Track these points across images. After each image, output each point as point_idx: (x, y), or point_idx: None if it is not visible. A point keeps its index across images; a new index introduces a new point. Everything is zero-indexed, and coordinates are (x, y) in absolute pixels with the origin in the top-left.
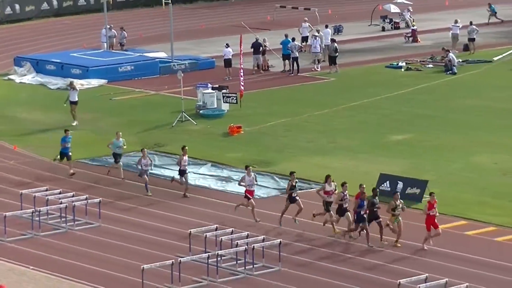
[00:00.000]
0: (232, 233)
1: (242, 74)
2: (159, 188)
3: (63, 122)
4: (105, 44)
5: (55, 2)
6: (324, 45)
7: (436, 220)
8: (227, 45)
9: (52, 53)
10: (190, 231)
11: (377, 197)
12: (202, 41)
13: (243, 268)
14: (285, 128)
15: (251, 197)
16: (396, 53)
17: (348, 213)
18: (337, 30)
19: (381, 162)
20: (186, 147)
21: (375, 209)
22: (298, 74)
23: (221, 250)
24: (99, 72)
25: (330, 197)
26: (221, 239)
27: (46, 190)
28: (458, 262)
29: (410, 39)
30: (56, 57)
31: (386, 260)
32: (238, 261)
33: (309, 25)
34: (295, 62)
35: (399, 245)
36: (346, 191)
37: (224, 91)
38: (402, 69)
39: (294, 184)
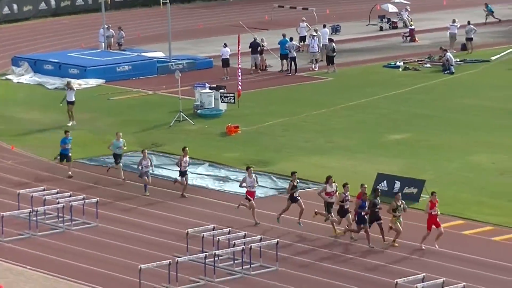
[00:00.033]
0: (229, 233)
1: (240, 74)
2: (157, 188)
3: (61, 122)
4: (103, 44)
5: (53, 2)
6: (322, 44)
7: (438, 219)
8: (225, 45)
9: (50, 53)
10: (188, 231)
11: (378, 198)
12: (200, 41)
13: (241, 268)
14: (282, 128)
15: (251, 199)
16: (394, 53)
17: (349, 214)
18: (335, 30)
19: (378, 161)
20: (187, 148)
21: (376, 210)
22: (296, 73)
23: (218, 250)
24: (97, 72)
25: (332, 198)
26: (219, 239)
27: (44, 190)
28: (455, 261)
29: (408, 38)
30: (54, 57)
31: (385, 260)
32: (236, 261)
33: (307, 25)
34: (293, 62)
35: (397, 244)
36: (348, 192)
37: (221, 91)
38: (400, 69)
39: (295, 184)
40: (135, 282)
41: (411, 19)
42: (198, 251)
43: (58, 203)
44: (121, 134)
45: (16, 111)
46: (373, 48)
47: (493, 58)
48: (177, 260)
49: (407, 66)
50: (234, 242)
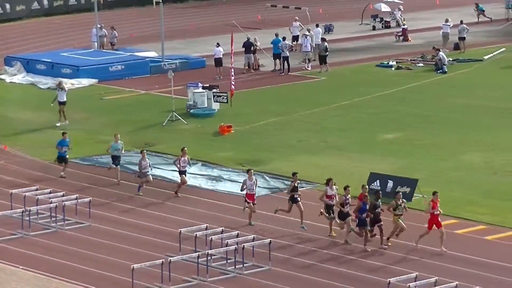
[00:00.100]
0: (222, 232)
1: (233, 73)
2: (150, 188)
3: (54, 122)
4: (96, 43)
5: (45, 2)
6: (315, 44)
7: (439, 219)
8: (218, 45)
9: (43, 53)
10: (180, 231)
11: (380, 200)
12: (193, 41)
13: (233, 267)
14: (275, 127)
15: (250, 202)
16: (387, 52)
17: (350, 218)
18: (328, 29)
19: (371, 161)
20: (186, 148)
21: (377, 212)
22: (289, 73)
23: (211, 249)
24: (89, 71)
25: (332, 200)
26: (211, 238)
27: (36, 190)
28: (448, 260)
29: (401, 38)
30: (47, 57)
31: (379, 260)
32: (228, 261)
33: (299, 24)
34: (285, 61)
35: (390, 243)
36: (349, 195)
37: (214, 90)
38: (393, 68)
39: (296, 185)
40: (127, 282)
41: (404, 18)
42: (191, 251)
43: (51, 202)
44: (119, 136)
45: (9, 111)
46: (366, 47)
47: (485, 57)
48: (170, 259)
49: (400, 66)
50: (227, 242)
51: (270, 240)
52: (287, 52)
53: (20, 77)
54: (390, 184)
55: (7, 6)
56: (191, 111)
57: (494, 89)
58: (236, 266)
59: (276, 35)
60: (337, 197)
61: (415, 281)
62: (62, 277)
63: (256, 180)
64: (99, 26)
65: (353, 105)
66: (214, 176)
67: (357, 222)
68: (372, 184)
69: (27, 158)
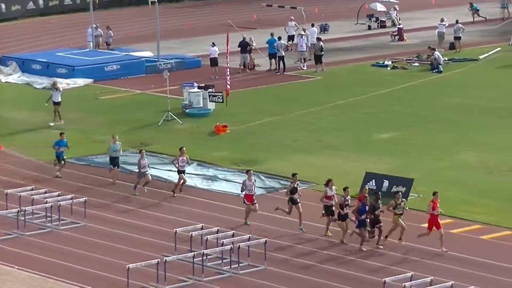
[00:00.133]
0: (217, 232)
1: (228, 73)
2: (145, 187)
3: (49, 121)
4: (91, 43)
5: (41, 2)
6: (310, 43)
7: (439, 220)
8: (213, 44)
9: (38, 53)
10: (176, 230)
11: (379, 201)
12: (188, 40)
13: (229, 267)
14: (271, 127)
15: (248, 203)
16: (382, 52)
17: (349, 219)
18: (323, 29)
19: (367, 160)
20: (184, 148)
21: (377, 213)
22: (284, 73)
23: (206, 249)
24: (85, 71)
25: (332, 201)
26: (207, 238)
27: (32, 190)
28: (444, 260)
29: (396, 37)
30: (42, 57)
31: (374, 260)
32: (224, 260)
33: (295, 24)
34: (281, 61)
35: (386, 242)
36: (348, 197)
37: (210, 90)
38: (388, 68)
39: (296, 186)
40: (123, 282)
41: (399, 18)
42: (186, 251)
43: (46, 202)
44: (117, 137)
45: (4, 110)
46: (361, 47)
47: (481, 57)
48: (165, 259)
49: (396, 65)
50: (223, 241)
51: (266, 240)
52: (283, 52)
53: (16, 77)
54: (386, 183)
55: (3, 6)
56: (187, 110)
57: (489, 88)
58: (232, 266)
59: (272, 34)
60: (336, 198)
61: (410, 281)
62: (57, 277)
63: (255, 180)
64: (94, 26)
65: (348, 105)
66: (209, 175)
67: (356, 223)
68: (368, 183)
69: (22, 158)
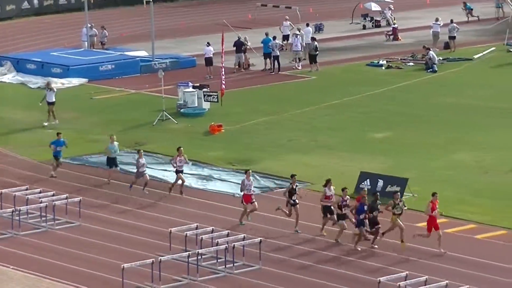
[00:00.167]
0: (212, 231)
1: (223, 72)
2: (140, 187)
3: (45, 120)
4: (86, 43)
5: (35, 1)
6: (305, 43)
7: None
8: (208, 44)
9: (33, 52)
10: (171, 230)
11: (378, 201)
12: (183, 40)
13: (224, 266)
14: (266, 126)
15: (246, 203)
16: (377, 51)
17: (347, 219)
18: (318, 29)
19: (361, 160)
20: (181, 148)
21: (375, 214)
22: (279, 72)
23: (201, 248)
24: (79, 71)
25: (330, 201)
26: (202, 237)
27: (26, 190)
28: (438, 259)
29: (391, 37)
30: (37, 56)
31: (368, 260)
32: (219, 260)
33: (290, 24)
34: (276, 61)
35: (380, 238)
36: (347, 197)
37: (205, 89)
38: (383, 67)
39: (294, 187)
40: (118, 281)
41: (394, 17)
42: (181, 250)
43: (41, 202)
44: (115, 137)
45: None
46: (356, 46)
47: (475, 56)
48: (160, 259)
49: (390, 65)
50: (217, 241)
51: (261, 240)
52: (277, 52)
53: (10, 77)
54: (380, 183)
55: None
56: (182, 110)
57: (484, 88)
58: (227, 266)
59: (266, 34)
60: (334, 198)
61: (405, 280)
62: (52, 277)
63: (253, 180)
64: (89, 25)
65: (343, 104)
66: (204, 175)
67: (355, 223)
68: (363, 183)
69: (17, 157)
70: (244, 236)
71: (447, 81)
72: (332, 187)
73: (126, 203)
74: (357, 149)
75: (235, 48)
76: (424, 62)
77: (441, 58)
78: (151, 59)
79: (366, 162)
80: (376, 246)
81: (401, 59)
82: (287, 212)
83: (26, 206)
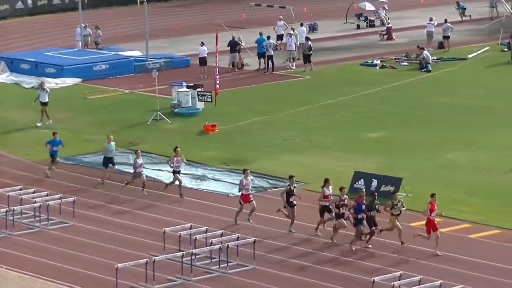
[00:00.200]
0: (206, 231)
1: (217, 72)
2: (134, 187)
3: (39, 120)
4: (80, 43)
5: (29, 1)
6: (299, 43)
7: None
8: (202, 44)
9: (27, 52)
10: (165, 230)
11: (376, 201)
12: (177, 40)
13: (218, 266)
14: (260, 126)
15: (243, 203)
16: (371, 51)
17: (343, 220)
18: (312, 28)
19: (355, 159)
20: (178, 148)
21: (372, 214)
22: (273, 72)
23: (195, 248)
24: (73, 71)
25: (327, 201)
26: (196, 237)
27: (20, 190)
28: (432, 259)
29: (385, 37)
30: (31, 56)
31: (362, 259)
32: (213, 260)
33: (284, 23)
34: (270, 60)
35: (406, 244)
36: (344, 196)
37: (199, 89)
38: (377, 67)
39: (292, 188)
40: (112, 281)
41: (388, 17)
42: (175, 250)
43: (34, 202)
44: (112, 137)
45: None
46: (350, 46)
47: (469, 56)
48: (154, 259)
49: (384, 65)
50: (211, 241)
51: (255, 239)
52: (272, 51)
53: (4, 77)
54: (375, 183)
55: None
56: (176, 110)
57: (478, 88)
58: (221, 265)
59: (261, 34)
60: (331, 197)
61: (399, 280)
62: (46, 277)
63: (251, 179)
64: (83, 25)
65: (337, 104)
66: (198, 175)
67: (353, 222)
68: (357, 183)
69: (11, 157)
70: (238, 236)
71: (441, 81)
72: (330, 187)
73: (120, 203)
74: (351, 148)
75: (229, 48)
76: (418, 61)
77: (435, 58)
78: (145, 59)
79: (360, 162)
80: (370, 246)
81: (395, 58)
82: (287, 213)
83: (20, 206)
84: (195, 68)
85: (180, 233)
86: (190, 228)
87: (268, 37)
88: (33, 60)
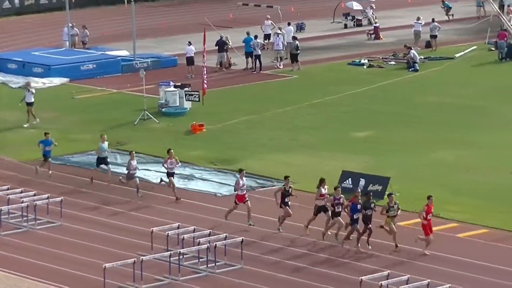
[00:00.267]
0: (194, 231)
1: (205, 72)
2: (121, 187)
3: (25, 121)
4: (67, 42)
5: (16, 1)
6: (286, 42)
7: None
8: (190, 43)
9: (14, 52)
10: (152, 229)
11: (370, 201)
12: (165, 39)
13: (205, 266)
14: (247, 125)
15: (238, 203)
16: (359, 51)
17: (340, 218)
18: (300, 28)
19: (343, 159)
20: (172, 150)
21: (368, 213)
22: (261, 71)
23: (183, 248)
24: (61, 70)
25: (322, 201)
26: (183, 237)
27: (8, 189)
28: (420, 258)
29: (373, 36)
30: (18, 56)
31: (353, 258)
32: (200, 259)
33: (271, 23)
34: (257, 60)
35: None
36: (339, 195)
37: (186, 89)
38: (365, 66)
39: (288, 188)
40: (99, 281)
41: (375, 16)
42: (162, 250)
43: (22, 202)
44: (106, 136)
45: None
46: (337, 45)
47: (457, 55)
48: (142, 258)
49: (372, 64)
50: (199, 241)
51: (242, 239)
52: (259, 51)
53: None
54: (362, 182)
55: None
56: (163, 110)
57: (465, 87)
58: (208, 265)
59: (248, 33)
60: (326, 197)
61: (387, 279)
62: (33, 277)
63: (246, 180)
64: (70, 25)
65: (325, 104)
66: (186, 175)
67: (349, 221)
68: (344, 182)
69: None
70: (225, 235)
71: (428, 80)
72: (325, 186)
73: (108, 203)
74: (338, 148)
75: (217, 47)
76: (405, 61)
77: (422, 57)
78: (132, 58)
79: (348, 161)
80: (370, 247)
81: (382, 58)
82: (283, 213)
83: (7, 206)
84: (182, 68)
85: (168, 233)
86: (178, 227)
87: (256, 37)
88: (20, 59)
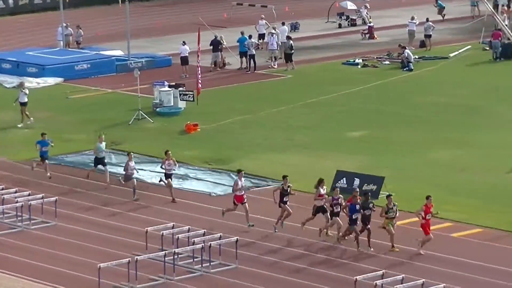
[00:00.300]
0: (188, 231)
1: (200, 71)
2: (116, 186)
3: (20, 121)
4: (62, 42)
5: (10, 1)
6: (281, 42)
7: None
8: (184, 43)
9: (8, 52)
10: (147, 229)
11: (369, 201)
12: (159, 39)
13: (200, 266)
14: (242, 125)
15: (237, 203)
16: (353, 50)
17: (338, 218)
18: (294, 27)
19: (337, 158)
20: (169, 151)
21: (365, 213)
22: (255, 71)
23: (177, 248)
24: (55, 70)
25: (321, 201)
26: (178, 237)
27: (2, 189)
28: (415, 258)
29: (367, 36)
30: (12, 56)
31: (347, 258)
32: (195, 259)
33: (265, 23)
34: (251, 60)
35: (397, 249)
36: (338, 195)
37: (180, 88)
38: (359, 66)
39: (286, 188)
40: (94, 281)
41: (370, 16)
42: (157, 250)
43: (16, 202)
44: (103, 137)
45: None
46: (332, 45)
47: (451, 55)
48: (137, 258)
49: (366, 63)
50: (194, 240)
51: (237, 239)
52: (253, 50)
53: None
54: (357, 181)
55: None
56: (157, 109)
57: (460, 86)
58: (203, 265)
59: (242, 33)
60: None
61: (381, 279)
62: (28, 277)
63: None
64: (64, 25)
65: (319, 103)
66: (180, 174)
67: (348, 221)
68: (339, 182)
69: None
70: (220, 235)
71: (423, 80)
72: (324, 187)
73: (102, 202)
74: (333, 147)
75: (211, 47)
76: (400, 60)
77: (417, 57)
78: (126, 58)
79: (342, 161)
80: (372, 249)
81: (377, 57)
82: (287, 214)
83: (1, 206)
84: (177, 68)
85: (163, 233)
86: (173, 227)
87: (250, 36)
88: (14, 59)
